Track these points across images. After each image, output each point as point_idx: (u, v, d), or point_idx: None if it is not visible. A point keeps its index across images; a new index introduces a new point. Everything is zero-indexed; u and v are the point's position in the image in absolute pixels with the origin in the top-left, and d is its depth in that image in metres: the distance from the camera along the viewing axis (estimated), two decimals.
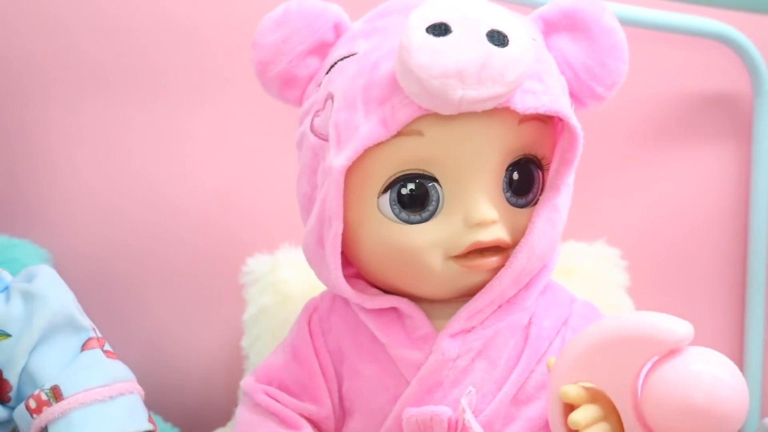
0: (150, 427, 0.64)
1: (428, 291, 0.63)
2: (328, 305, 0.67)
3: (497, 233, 0.60)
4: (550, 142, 0.62)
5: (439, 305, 0.63)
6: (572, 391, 0.55)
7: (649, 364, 0.53)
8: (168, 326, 0.93)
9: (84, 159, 0.92)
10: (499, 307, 0.63)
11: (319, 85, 0.63)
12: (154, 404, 0.88)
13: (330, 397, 0.65)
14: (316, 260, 0.64)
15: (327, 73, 0.63)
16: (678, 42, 0.91)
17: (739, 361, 0.95)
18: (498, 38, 0.55)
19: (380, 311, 0.63)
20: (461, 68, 0.54)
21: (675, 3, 0.88)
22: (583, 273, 0.85)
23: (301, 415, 0.65)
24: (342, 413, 0.65)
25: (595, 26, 0.63)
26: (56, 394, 0.62)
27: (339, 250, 0.61)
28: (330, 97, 0.61)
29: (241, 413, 0.67)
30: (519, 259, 0.60)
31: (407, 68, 0.55)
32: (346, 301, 0.66)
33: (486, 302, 0.62)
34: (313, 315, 0.67)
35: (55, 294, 0.65)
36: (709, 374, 0.51)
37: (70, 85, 0.91)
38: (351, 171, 0.59)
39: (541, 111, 0.58)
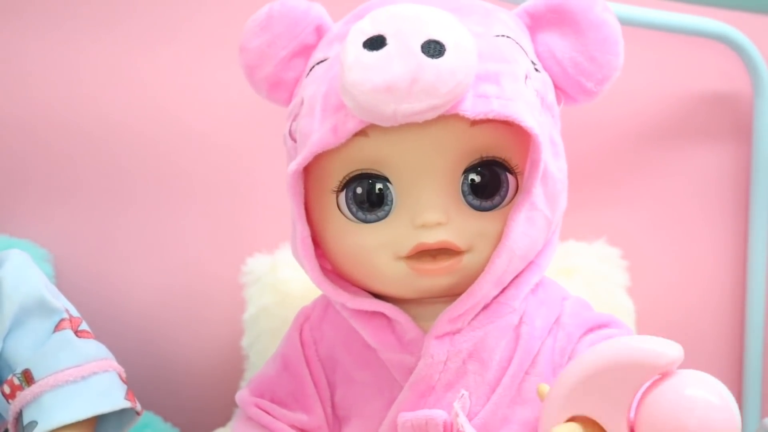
0: (126, 404, 0.63)
1: (389, 291, 0.62)
2: (320, 313, 0.67)
3: (443, 235, 0.59)
4: (518, 143, 0.60)
5: (424, 307, 0.62)
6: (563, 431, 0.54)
7: (641, 390, 0.52)
8: (168, 326, 0.93)
9: (84, 158, 0.92)
10: (486, 307, 0.62)
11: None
12: (153, 404, 0.89)
13: (322, 406, 0.65)
14: (299, 260, 0.64)
15: (306, 76, 0.63)
16: (678, 42, 0.91)
17: (740, 362, 0.95)
18: (434, 49, 0.54)
19: (370, 316, 0.63)
20: (391, 83, 0.53)
21: (675, 3, 0.88)
22: (583, 273, 0.85)
23: (293, 426, 0.64)
24: (336, 422, 0.65)
25: (584, 20, 0.62)
26: (28, 377, 0.61)
27: (311, 251, 0.61)
28: (302, 102, 0.61)
29: (235, 427, 0.67)
30: (498, 264, 0.59)
31: (342, 84, 0.55)
32: (337, 309, 0.65)
33: (468, 306, 0.60)
34: (305, 324, 0.67)
35: (24, 278, 0.64)
36: (702, 399, 0.51)
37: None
38: (310, 172, 0.61)
39: (491, 116, 0.56)
